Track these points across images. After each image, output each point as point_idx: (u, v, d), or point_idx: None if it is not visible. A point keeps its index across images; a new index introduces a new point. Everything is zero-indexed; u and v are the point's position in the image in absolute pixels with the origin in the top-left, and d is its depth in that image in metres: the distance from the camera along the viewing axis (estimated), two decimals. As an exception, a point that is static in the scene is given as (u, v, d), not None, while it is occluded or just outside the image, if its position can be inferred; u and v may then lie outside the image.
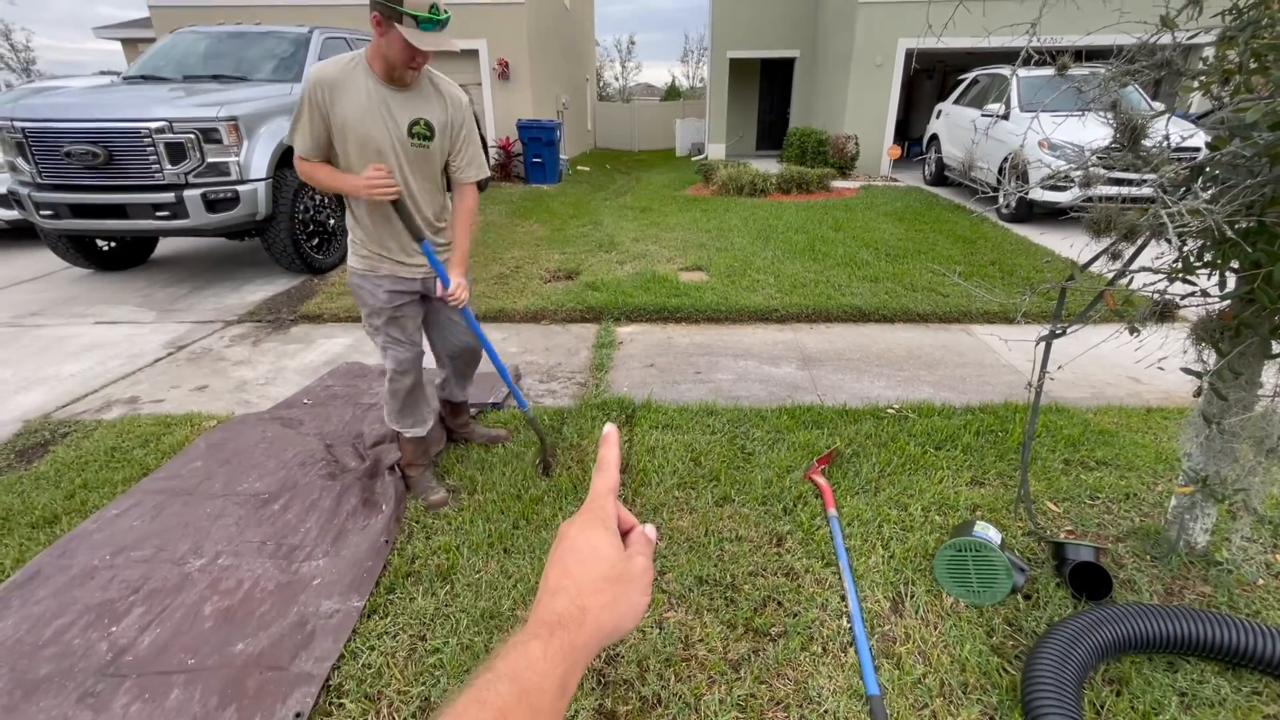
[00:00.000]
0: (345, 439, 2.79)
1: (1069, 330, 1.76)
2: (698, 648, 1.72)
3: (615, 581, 0.43)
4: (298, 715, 1.52)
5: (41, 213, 4.62)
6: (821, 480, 2.37)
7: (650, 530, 0.49)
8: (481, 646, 1.71)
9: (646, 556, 0.47)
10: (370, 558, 2.05)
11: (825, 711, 1.53)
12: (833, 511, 2.20)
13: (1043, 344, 1.85)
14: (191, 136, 4.44)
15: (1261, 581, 1.91)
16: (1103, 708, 1.54)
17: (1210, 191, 1.47)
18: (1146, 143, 1.66)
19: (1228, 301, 1.69)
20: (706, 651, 1.70)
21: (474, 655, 1.69)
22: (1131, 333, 1.70)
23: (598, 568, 0.44)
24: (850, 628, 1.76)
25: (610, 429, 0.51)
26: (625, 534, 0.48)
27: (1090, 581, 1.84)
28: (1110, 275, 1.71)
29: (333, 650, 1.71)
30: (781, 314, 4.33)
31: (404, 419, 2.35)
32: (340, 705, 1.57)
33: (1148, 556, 2.01)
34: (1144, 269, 1.67)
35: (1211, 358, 1.71)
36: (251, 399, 3.26)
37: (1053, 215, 7.01)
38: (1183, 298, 1.68)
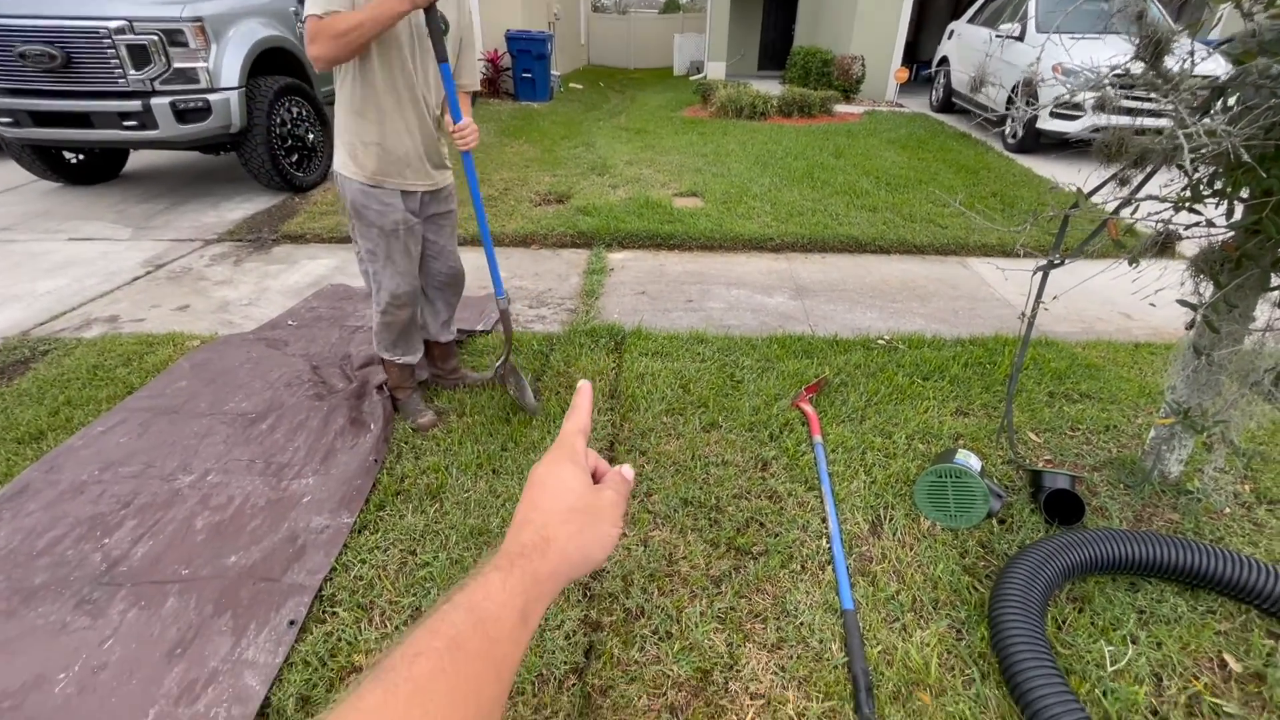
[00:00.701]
0: (332, 360, 2.76)
1: (1068, 260, 1.72)
2: (681, 564, 1.77)
3: (582, 512, 0.44)
4: (291, 622, 1.57)
5: (0, 120, 4.36)
6: (809, 408, 2.38)
7: (627, 470, 0.49)
8: (470, 561, 1.76)
9: (618, 491, 0.47)
10: (359, 476, 2.07)
11: (801, 624, 1.60)
12: (818, 438, 2.23)
13: (1040, 274, 1.82)
14: (154, 38, 4.14)
15: (1228, 510, 1.98)
16: (1064, 623, 1.61)
17: (1230, 113, 1.40)
18: (1169, 60, 1.56)
19: (1231, 233, 1.65)
20: (689, 568, 1.76)
21: (463, 569, 1.73)
22: (1131, 264, 1.67)
23: (564, 499, 0.44)
24: (829, 548, 1.81)
25: (584, 383, 0.51)
26: (601, 479, 0.49)
27: (1064, 508, 1.90)
28: (1116, 204, 1.66)
29: (324, 563, 1.75)
30: (777, 243, 4.25)
31: (396, 349, 2.31)
32: (334, 613, 1.62)
33: (1121, 485, 2.06)
34: (1151, 197, 1.62)
35: (1208, 290, 1.69)
36: (235, 320, 3.20)
37: (1059, 147, 6.81)
38: (1186, 228, 1.64)
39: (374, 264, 2.12)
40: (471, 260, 2.59)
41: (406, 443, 2.26)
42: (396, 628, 1.58)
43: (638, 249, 4.21)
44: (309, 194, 5.18)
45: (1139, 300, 3.46)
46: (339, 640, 1.55)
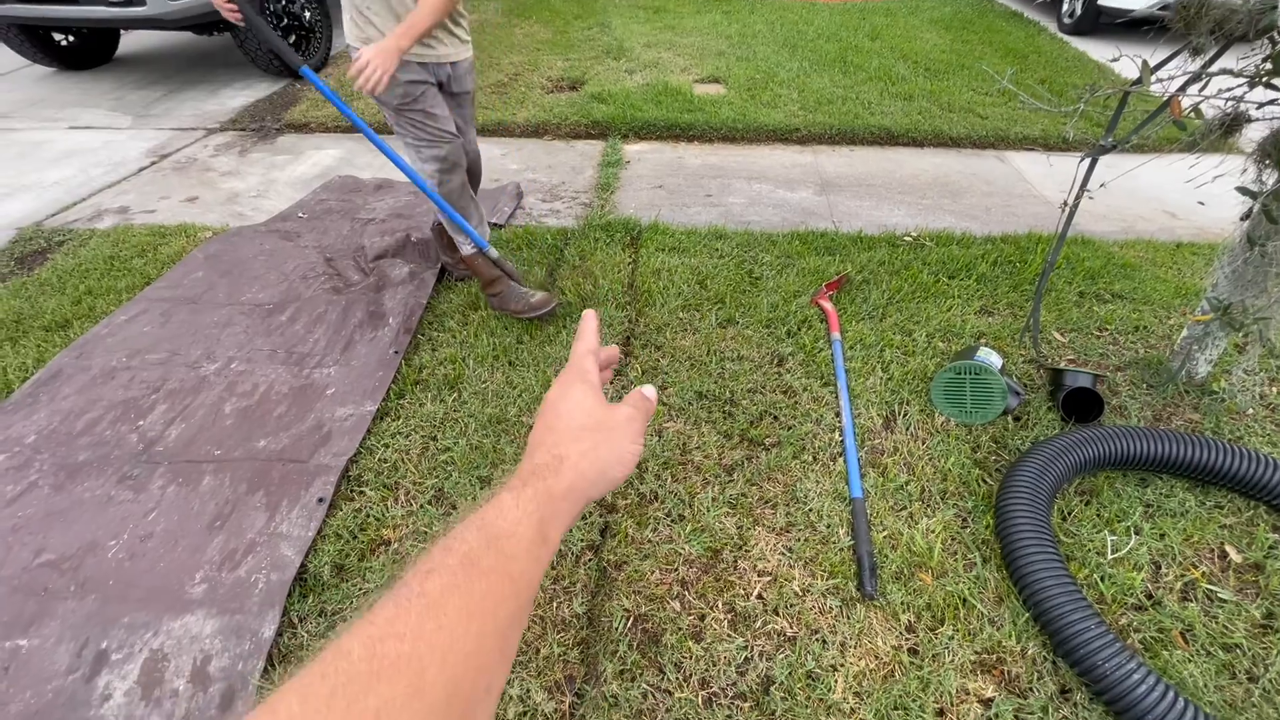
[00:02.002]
0: (345, 253, 2.73)
1: (1122, 145, 1.59)
2: (694, 454, 1.81)
3: (595, 430, 0.43)
4: (320, 500, 1.65)
5: (-18, -4, 4.12)
6: (828, 305, 2.33)
7: (648, 390, 0.49)
8: (490, 448, 1.81)
9: (636, 408, 0.46)
10: (380, 368, 2.10)
11: (810, 510, 1.64)
12: (836, 335, 2.19)
13: (1087, 160, 1.69)
14: (131, -102, 3.79)
15: (1251, 411, 1.95)
16: (1069, 514, 1.64)
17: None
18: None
19: (1309, 113, 1.50)
20: (702, 457, 1.79)
21: (483, 455, 1.78)
22: (1191, 149, 1.54)
23: (576, 418, 0.43)
24: (841, 440, 1.83)
25: (589, 311, 0.51)
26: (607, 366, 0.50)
27: (1082, 406, 1.88)
28: (1183, 79, 1.51)
29: (349, 447, 1.81)
30: (803, 134, 4.00)
31: (464, 232, 2.14)
32: (361, 492, 1.70)
33: (1144, 385, 2.03)
34: (1225, 71, 1.47)
35: (1272, 179, 1.56)
36: (245, 211, 3.15)
37: (1121, 29, 6.19)
38: (1259, 106, 1.49)
39: (408, 134, 1.97)
40: (484, 151, 2.48)
41: (423, 334, 2.27)
42: (421, 506, 1.65)
43: (655, 140, 4.00)
44: (310, 80, 4.91)
45: (1187, 198, 3.26)
46: (367, 516, 1.63)
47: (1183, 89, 1.48)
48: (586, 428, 0.43)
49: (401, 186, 3.36)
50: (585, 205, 3.23)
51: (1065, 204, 1.65)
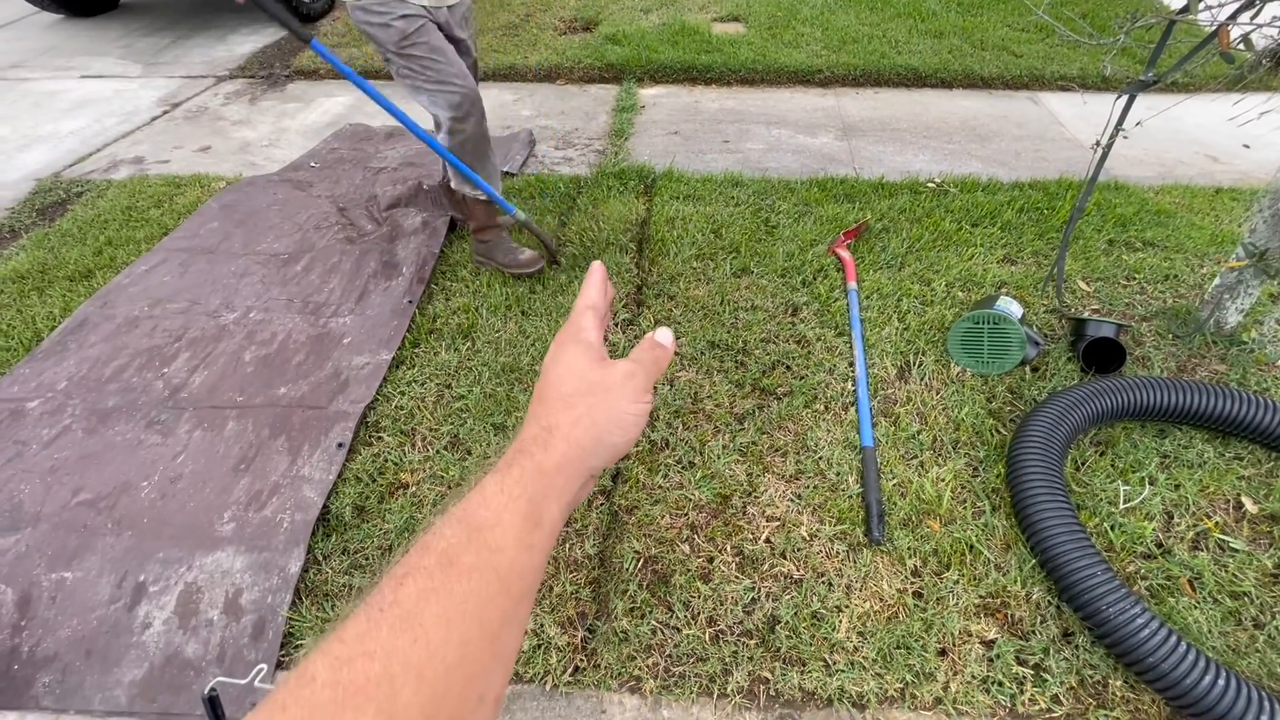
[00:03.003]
0: (358, 202, 2.72)
1: (1166, 79, 1.50)
2: (705, 403, 1.81)
3: (588, 394, 0.38)
4: (340, 445, 1.70)
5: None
6: (845, 254, 2.29)
7: (662, 334, 0.43)
8: (503, 396, 1.83)
9: (638, 362, 0.41)
10: (395, 317, 2.11)
11: (820, 458, 1.65)
12: (853, 285, 2.16)
13: (1126, 96, 1.60)
14: None
15: (1280, 362, 1.90)
16: (1083, 464, 1.63)
17: None
18: None
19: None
20: (714, 406, 1.80)
21: (497, 403, 1.81)
22: (1236, 85, 1.45)
23: (567, 383, 0.39)
24: (854, 390, 1.82)
25: (596, 263, 0.47)
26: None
27: (1103, 357, 1.84)
28: (1234, 6, 1.41)
29: (366, 394, 1.84)
30: (825, 76, 3.84)
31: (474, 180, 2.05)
32: (379, 438, 1.74)
33: (1170, 336, 1.98)
34: (1280, -5, 1.37)
35: (1322, 114, 1.47)
36: (257, 161, 3.13)
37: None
38: (1315, 35, 1.39)
39: (417, 79, 1.87)
40: (494, 96, 2.42)
41: (436, 284, 2.27)
42: (437, 451, 1.69)
43: (671, 84, 3.87)
44: (317, 24, 4.79)
45: (1231, 140, 3.09)
46: (385, 460, 1.67)
47: (1233, 17, 1.39)
48: (579, 392, 0.38)
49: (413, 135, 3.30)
50: (599, 152, 3.17)
51: (1098, 143, 1.57)
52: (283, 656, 1.33)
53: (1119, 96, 1.58)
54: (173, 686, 1.28)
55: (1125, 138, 1.53)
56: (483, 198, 2.11)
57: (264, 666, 1.26)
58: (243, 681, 0.49)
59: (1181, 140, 3.20)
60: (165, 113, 3.62)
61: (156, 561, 1.46)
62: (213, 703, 0.44)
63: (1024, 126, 3.40)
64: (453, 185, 2.15)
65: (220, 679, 0.46)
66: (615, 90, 3.80)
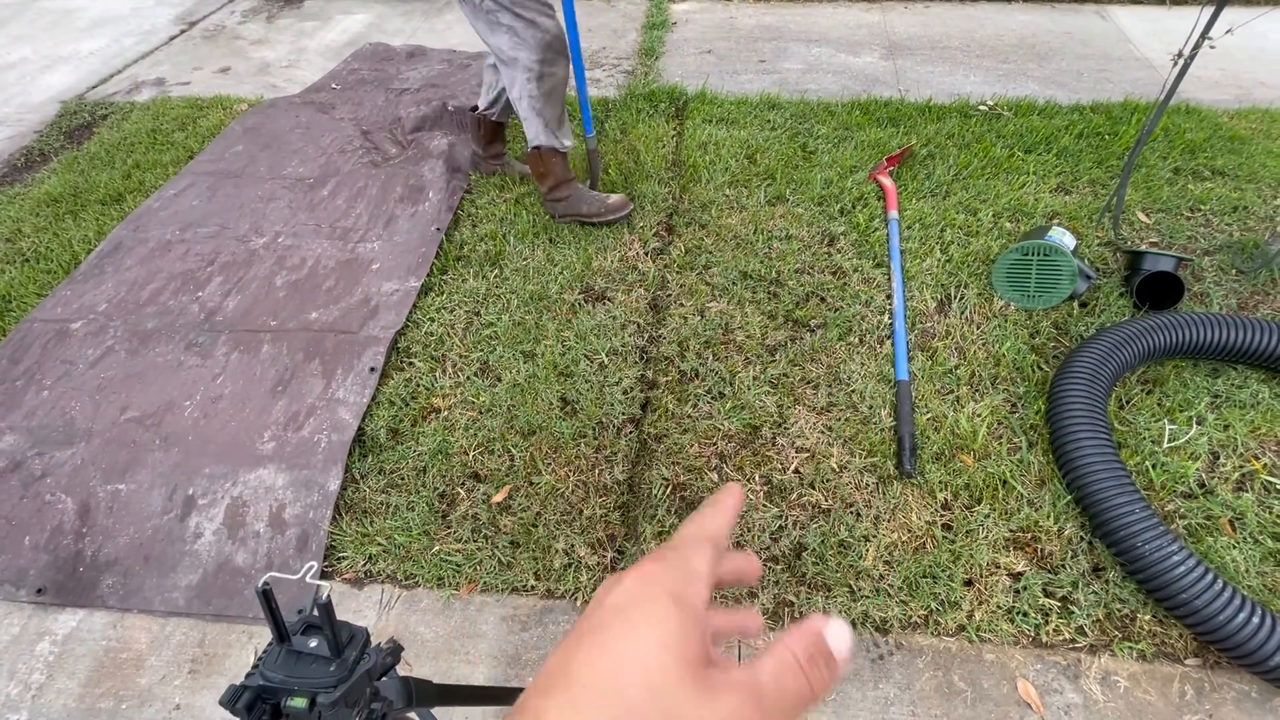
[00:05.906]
0: (381, 125, 2.65)
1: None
2: (737, 334, 1.78)
3: None
4: (372, 369, 1.71)
5: None
6: (887, 181, 2.17)
7: (835, 633, 0.25)
8: (532, 324, 1.82)
9: (778, 682, 0.23)
10: (423, 244, 2.09)
11: (853, 391, 1.63)
12: (894, 214, 2.06)
13: (1211, 5, 1.45)
14: None
15: (1352, 300, 1.78)
16: (1128, 402, 1.58)
17: None
18: None
19: None
20: (745, 337, 1.77)
21: (525, 330, 1.80)
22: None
23: (628, 690, 0.21)
24: (890, 323, 1.77)
25: (733, 484, 0.32)
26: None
27: (1159, 293, 1.75)
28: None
29: (396, 320, 1.84)
30: (872, -13, 3.56)
31: (561, 128, 1.89)
32: (410, 363, 1.76)
33: (1233, 271, 1.86)
34: None
35: None
36: (277, 82, 3.05)
37: None
38: None
39: (504, 15, 1.65)
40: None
41: (462, 210, 2.23)
42: (468, 378, 1.70)
43: (705, -2, 3.63)
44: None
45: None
46: (418, 385, 1.69)
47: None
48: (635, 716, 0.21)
49: (434, 54, 3.18)
50: (627, 73, 3.01)
51: (1180, 54, 1.43)
52: (326, 567, 1.39)
53: (1205, 3, 1.42)
54: (225, 591, 1.35)
55: (1212, 48, 1.39)
56: (568, 146, 1.92)
57: (314, 564, 1.32)
58: (294, 577, 0.50)
59: (1267, 60, 2.93)
60: (183, 31, 3.52)
61: (203, 477, 1.51)
62: (266, 595, 0.45)
63: (1089, 44, 3.13)
64: (533, 141, 1.91)
65: (273, 574, 0.47)
66: (645, 5, 3.58)
